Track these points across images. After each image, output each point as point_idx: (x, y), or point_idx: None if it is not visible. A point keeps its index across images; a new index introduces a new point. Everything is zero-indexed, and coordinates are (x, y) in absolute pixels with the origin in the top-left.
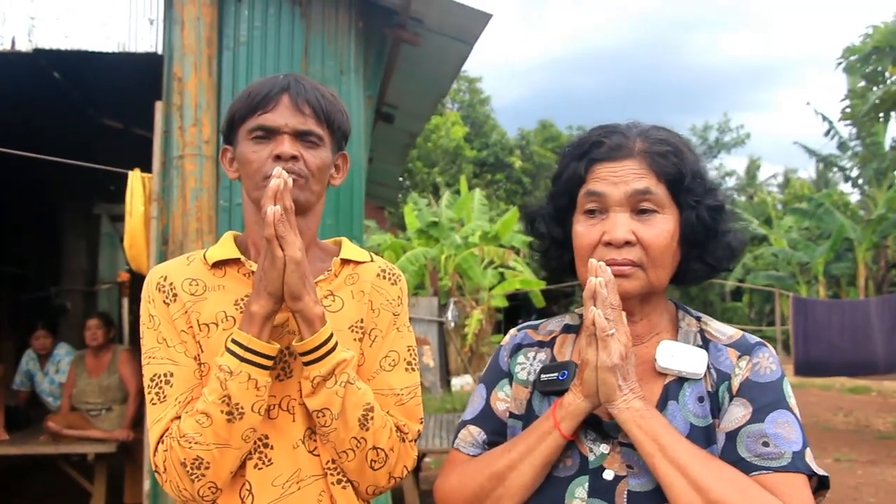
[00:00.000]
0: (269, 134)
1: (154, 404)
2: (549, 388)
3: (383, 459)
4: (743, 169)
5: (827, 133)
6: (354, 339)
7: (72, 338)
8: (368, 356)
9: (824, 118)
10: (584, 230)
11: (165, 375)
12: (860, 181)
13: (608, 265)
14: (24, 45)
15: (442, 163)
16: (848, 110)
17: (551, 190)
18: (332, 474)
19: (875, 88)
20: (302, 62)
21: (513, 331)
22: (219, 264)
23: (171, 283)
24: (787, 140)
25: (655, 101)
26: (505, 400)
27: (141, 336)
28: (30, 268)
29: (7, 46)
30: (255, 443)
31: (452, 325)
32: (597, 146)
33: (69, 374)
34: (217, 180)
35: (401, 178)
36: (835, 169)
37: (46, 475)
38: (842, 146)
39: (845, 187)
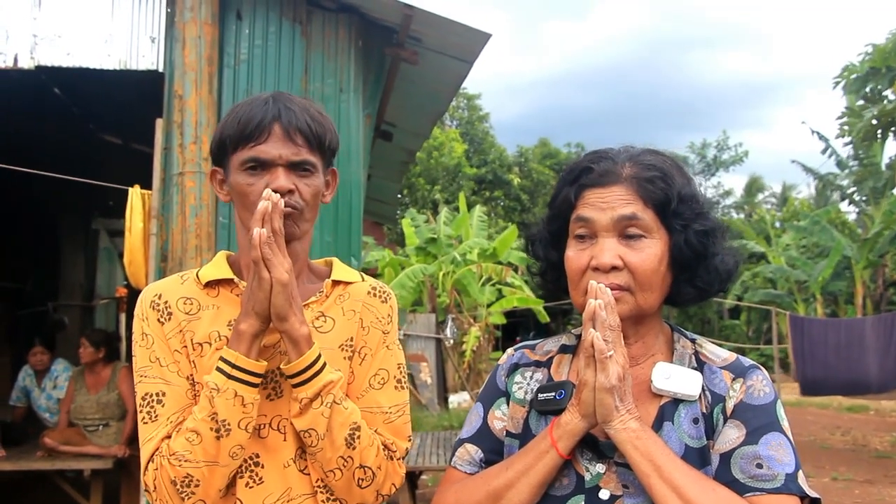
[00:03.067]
0: (263, 166)
1: (145, 423)
2: (546, 407)
3: (370, 478)
4: (742, 187)
5: (824, 151)
6: (344, 358)
7: (69, 353)
8: (358, 374)
9: (820, 137)
10: (573, 255)
11: (157, 395)
12: (858, 199)
13: None
14: (26, 63)
15: (442, 180)
16: (846, 128)
17: (547, 214)
18: (321, 492)
19: (872, 108)
20: (302, 80)
21: (510, 350)
22: (212, 284)
23: (165, 302)
24: (785, 158)
25: (654, 119)
26: (502, 419)
27: (133, 354)
28: (28, 283)
29: (10, 63)
30: (246, 461)
31: (451, 342)
32: (586, 172)
33: (68, 389)
34: (216, 197)
35: (400, 195)
36: (833, 187)
37: (43, 491)
38: (839, 164)
39: (843, 205)
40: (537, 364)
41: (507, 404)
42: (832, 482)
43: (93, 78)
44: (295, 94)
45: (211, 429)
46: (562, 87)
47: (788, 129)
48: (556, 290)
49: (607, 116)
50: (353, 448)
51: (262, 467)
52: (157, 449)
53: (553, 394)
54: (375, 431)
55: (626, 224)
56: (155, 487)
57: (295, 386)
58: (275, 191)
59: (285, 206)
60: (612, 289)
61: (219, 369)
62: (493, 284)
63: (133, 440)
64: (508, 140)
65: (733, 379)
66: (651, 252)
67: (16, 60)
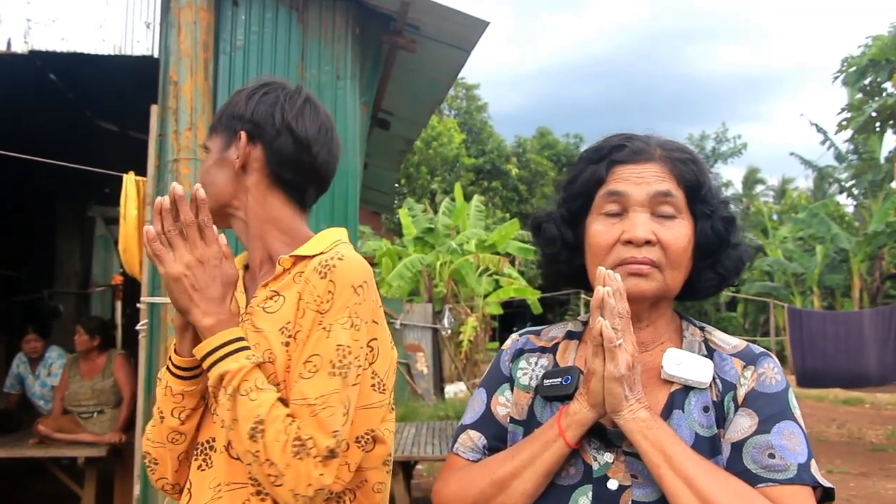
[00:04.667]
0: None
1: None
2: (552, 392)
3: (279, 475)
4: (740, 179)
5: (823, 143)
6: (282, 343)
7: (65, 340)
8: (294, 363)
9: (818, 129)
10: (602, 228)
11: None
12: (856, 192)
13: (627, 263)
14: (20, 47)
15: (441, 170)
16: (844, 122)
17: (564, 195)
18: (253, 484)
19: (872, 101)
20: (298, 67)
21: (514, 336)
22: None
23: None
24: (783, 151)
25: (653, 110)
26: (506, 405)
27: None
28: (23, 270)
29: (3, 48)
30: (202, 444)
31: (448, 332)
32: (618, 149)
33: (62, 376)
34: None
35: (398, 184)
36: (831, 180)
37: (36, 479)
38: (838, 157)
39: (841, 198)
40: (542, 350)
41: (511, 390)
42: (827, 475)
43: (88, 64)
44: (296, 82)
45: (154, 414)
46: (560, 79)
47: (787, 122)
48: (568, 272)
49: (606, 108)
50: (257, 441)
51: (216, 451)
52: None
53: (559, 379)
54: (298, 427)
55: (661, 201)
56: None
57: (202, 371)
58: None
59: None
60: (644, 263)
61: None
62: (491, 275)
63: (128, 427)
64: (507, 131)
65: (744, 366)
66: (682, 231)
67: (9, 45)
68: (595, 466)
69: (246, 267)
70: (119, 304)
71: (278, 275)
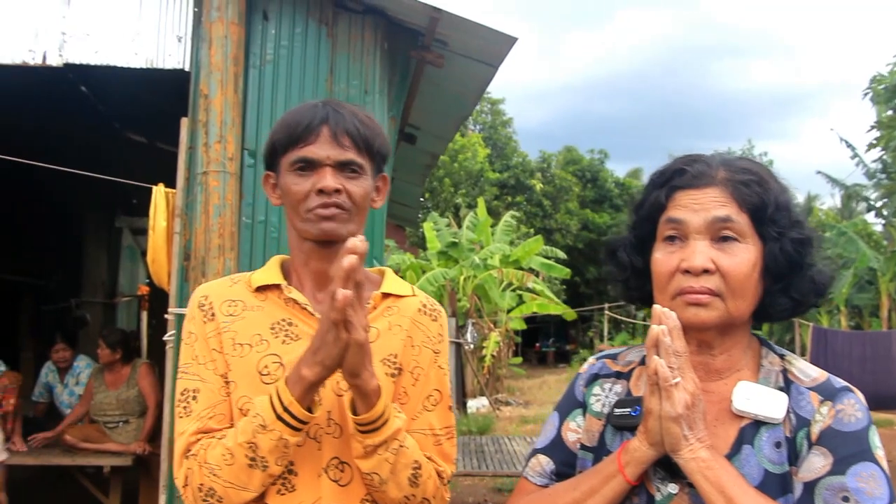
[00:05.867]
0: (310, 166)
1: (181, 417)
2: (622, 422)
3: None
4: None
5: (852, 158)
6: (386, 374)
7: (91, 350)
8: (412, 395)
9: (848, 145)
10: (662, 257)
11: (193, 391)
12: (885, 212)
13: (686, 293)
14: (55, 60)
15: (465, 184)
16: (874, 141)
17: (633, 219)
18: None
19: None
20: (327, 81)
21: (591, 359)
22: (261, 289)
23: (210, 304)
24: (809, 168)
25: (678, 127)
26: (577, 431)
27: (181, 350)
28: (51, 279)
29: (39, 61)
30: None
31: (471, 346)
32: (679, 174)
33: (87, 386)
34: (240, 197)
35: (422, 198)
36: (859, 198)
37: (63, 487)
38: (867, 174)
39: (869, 216)
40: (618, 375)
41: (584, 416)
42: None
43: (119, 76)
44: (322, 97)
45: (246, 456)
46: (585, 94)
47: (813, 140)
48: (640, 298)
49: (631, 124)
50: (417, 486)
51: (296, 475)
52: (189, 448)
53: (629, 409)
54: (428, 458)
55: (720, 227)
56: (186, 484)
57: (361, 433)
58: (321, 190)
59: (335, 206)
60: (702, 293)
61: (271, 403)
62: (514, 290)
63: (153, 437)
64: (531, 146)
65: (821, 401)
66: (745, 257)
67: (44, 58)
68: (658, 497)
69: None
70: (144, 315)
71: (368, 310)
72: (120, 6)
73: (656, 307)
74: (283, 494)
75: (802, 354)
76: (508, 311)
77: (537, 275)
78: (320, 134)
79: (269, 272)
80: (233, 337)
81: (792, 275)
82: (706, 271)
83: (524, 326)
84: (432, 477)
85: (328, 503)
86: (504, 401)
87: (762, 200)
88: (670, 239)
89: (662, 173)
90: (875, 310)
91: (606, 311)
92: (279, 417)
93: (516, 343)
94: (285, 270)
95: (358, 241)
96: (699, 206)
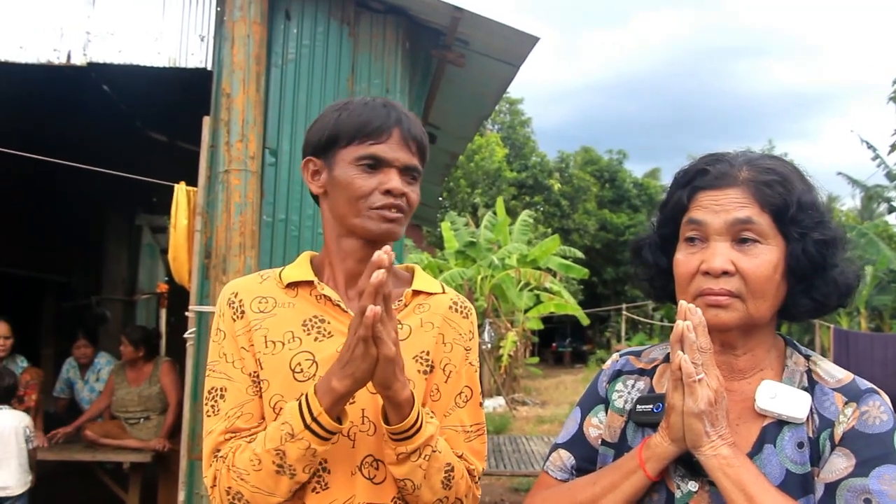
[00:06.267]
0: (378, 165)
1: (209, 416)
2: (644, 419)
3: None
4: None
5: (873, 159)
6: (418, 371)
7: (111, 347)
8: (444, 392)
9: (869, 146)
10: (683, 258)
11: (221, 390)
12: None
13: (705, 294)
14: (79, 59)
15: (482, 184)
16: None
17: (658, 218)
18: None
19: None
20: (349, 80)
21: (615, 356)
22: (292, 285)
23: (240, 300)
24: (830, 170)
25: (698, 127)
26: (598, 427)
27: (210, 347)
28: (73, 277)
29: (63, 60)
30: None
31: (488, 346)
32: (702, 174)
33: (108, 383)
34: (261, 196)
35: (441, 198)
36: (880, 199)
37: (82, 482)
38: (888, 175)
39: (890, 218)
40: (641, 372)
41: (606, 412)
42: None
43: (141, 76)
44: (343, 96)
45: (274, 462)
46: (604, 94)
47: (833, 140)
48: (663, 296)
49: (650, 124)
50: (450, 488)
51: (329, 473)
52: (217, 448)
53: (651, 406)
54: (459, 457)
55: (741, 228)
56: (214, 485)
57: (394, 440)
58: (388, 191)
59: (397, 209)
60: (721, 294)
61: (300, 411)
62: (532, 290)
63: (173, 434)
64: (550, 147)
65: (846, 403)
66: (765, 258)
67: (69, 57)
68: (678, 494)
69: (292, 284)
70: (164, 312)
71: (399, 307)
72: (144, 6)
73: (682, 303)
74: (317, 493)
75: (822, 356)
76: (525, 311)
77: (555, 275)
78: (392, 135)
79: (301, 268)
80: (264, 334)
81: (815, 276)
82: (726, 273)
83: (541, 326)
84: (464, 477)
85: (362, 501)
86: (521, 400)
87: (784, 201)
88: (691, 240)
89: (686, 173)
90: (895, 312)
91: (624, 312)
92: (307, 427)
93: (533, 343)
94: (315, 267)
95: (384, 255)
96: (720, 208)
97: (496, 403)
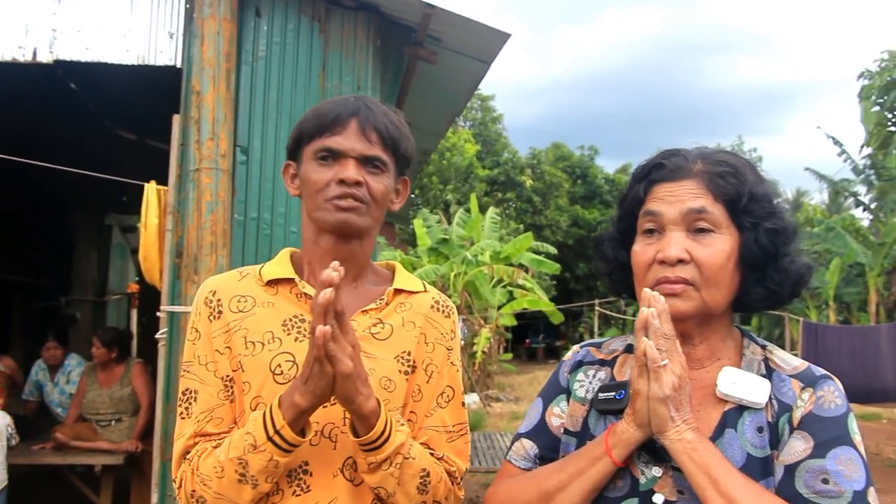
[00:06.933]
0: (334, 156)
1: (182, 418)
2: (606, 406)
3: None
4: None
5: (840, 155)
6: (400, 371)
7: (81, 348)
8: (426, 392)
9: (835, 142)
10: (640, 249)
11: (193, 392)
12: (873, 206)
13: (661, 283)
14: (45, 57)
15: (454, 180)
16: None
17: (617, 213)
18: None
19: (890, 115)
20: (320, 77)
21: (575, 347)
22: (272, 282)
23: (218, 300)
24: (798, 164)
25: (668, 123)
26: (560, 416)
27: (185, 347)
28: (41, 277)
29: (29, 57)
30: (294, 469)
31: (462, 343)
32: (658, 168)
33: (80, 384)
34: (233, 194)
35: (413, 195)
36: (847, 194)
37: (53, 486)
38: (855, 170)
39: (857, 212)
40: (602, 363)
41: (567, 402)
42: None
43: (109, 73)
44: (314, 93)
45: (236, 472)
46: (575, 91)
47: (802, 135)
48: (624, 291)
49: (621, 120)
50: (427, 493)
51: (311, 475)
52: (186, 451)
53: (613, 394)
54: (439, 458)
55: (695, 218)
56: (180, 486)
57: (363, 451)
58: (342, 180)
59: (353, 198)
60: (677, 283)
61: (264, 423)
62: (505, 286)
63: (146, 435)
64: (522, 143)
65: (802, 388)
66: (719, 247)
67: (35, 54)
68: (642, 480)
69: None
70: (134, 313)
71: (381, 306)
72: (111, 3)
73: (646, 291)
74: (298, 495)
75: (791, 349)
76: (499, 308)
77: (527, 271)
78: (348, 126)
79: (281, 266)
80: (244, 335)
81: (767, 265)
82: (681, 261)
83: (514, 323)
84: (443, 480)
85: (343, 503)
86: (495, 397)
87: (737, 191)
88: (649, 231)
89: (643, 167)
90: (863, 304)
91: (597, 308)
92: (270, 439)
93: (506, 339)
94: (296, 264)
95: (334, 273)
96: (674, 199)
97: (470, 400)
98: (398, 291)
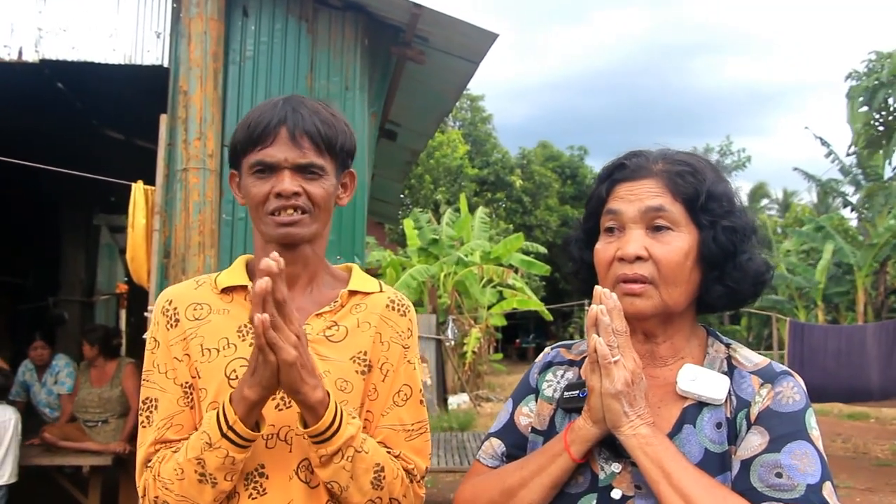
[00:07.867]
0: (269, 169)
1: (143, 427)
2: (571, 405)
3: None
4: (745, 193)
5: (828, 156)
6: (356, 371)
7: (69, 348)
8: (381, 391)
9: (823, 142)
10: (601, 247)
11: (154, 401)
12: (861, 207)
13: (621, 281)
14: (31, 56)
15: (444, 180)
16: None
17: (583, 215)
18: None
19: (879, 116)
20: (307, 77)
21: (547, 349)
22: (227, 290)
23: (175, 308)
24: (787, 164)
25: (657, 123)
26: (528, 415)
27: (145, 356)
28: (28, 278)
29: (14, 57)
30: (251, 472)
31: (451, 343)
32: (620, 168)
33: (76, 382)
34: (220, 194)
35: (402, 195)
36: (835, 193)
37: (40, 487)
38: (843, 170)
39: (845, 212)
40: (570, 363)
41: (536, 401)
42: None
43: (96, 73)
44: (302, 93)
45: (195, 471)
46: (564, 91)
47: (791, 135)
48: (588, 289)
49: (609, 120)
50: (381, 489)
51: (267, 478)
52: (148, 458)
53: (577, 392)
54: (396, 456)
55: (654, 216)
56: (144, 494)
57: (314, 443)
58: (279, 194)
59: (294, 210)
60: (636, 280)
61: (217, 420)
62: (494, 286)
63: (133, 437)
64: (511, 143)
65: (761, 384)
66: (677, 245)
67: (20, 53)
68: (601, 476)
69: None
70: (123, 313)
71: (336, 308)
72: (97, 2)
73: (597, 288)
74: (255, 498)
75: (779, 348)
76: (489, 308)
77: (517, 271)
78: (278, 135)
79: (235, 273)
80: (200, 342)
81: (725, 262)
82: (639, 258)
83: (504, 323)
84: (399, 476)
85: None
86: (485, 397)
87: (695, 190)
88: (610, 230)
89: (606, 168)
90: (851, 304)
91: (586, 307)
92: (224, 435)
93: (496, 339)
94: (251, 270)
95: (273, 263)
96: (634, 197)
97: (460, 400)
98: (353, 293)
